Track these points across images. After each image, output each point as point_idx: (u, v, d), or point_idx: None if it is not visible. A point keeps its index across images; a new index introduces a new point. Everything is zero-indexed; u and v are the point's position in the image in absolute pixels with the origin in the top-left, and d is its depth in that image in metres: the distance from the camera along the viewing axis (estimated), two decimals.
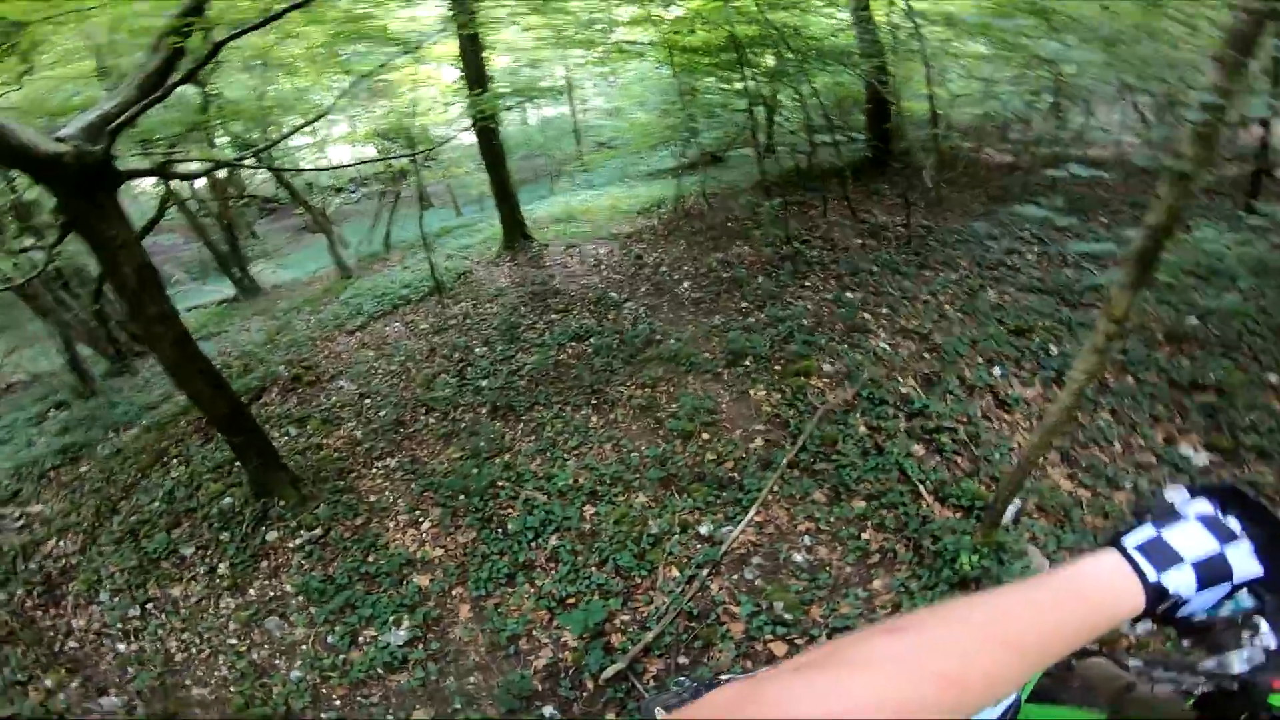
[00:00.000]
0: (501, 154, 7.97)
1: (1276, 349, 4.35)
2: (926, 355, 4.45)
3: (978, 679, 0.50)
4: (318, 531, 4.01)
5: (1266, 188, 6.04)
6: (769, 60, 7.37)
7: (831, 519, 3.37)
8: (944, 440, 3.74)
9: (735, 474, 3.68)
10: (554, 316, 6.07)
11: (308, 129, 7.21)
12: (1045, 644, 0.55)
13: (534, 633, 3.15)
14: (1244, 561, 0.63)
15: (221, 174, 9.47)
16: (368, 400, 5.33)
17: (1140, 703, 0.81)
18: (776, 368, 4.49)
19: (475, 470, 4.17)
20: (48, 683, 3.53)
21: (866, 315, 4.90)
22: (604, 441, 4.22)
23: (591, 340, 5.40)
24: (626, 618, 3.11)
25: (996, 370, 4.29)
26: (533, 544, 3.59)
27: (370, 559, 3.75)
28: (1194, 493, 0.70)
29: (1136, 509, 0.75)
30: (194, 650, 3.49)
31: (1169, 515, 0.67)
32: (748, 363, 4.58)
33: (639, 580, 3.27)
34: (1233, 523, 0.66)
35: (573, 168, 13.46)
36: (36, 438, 5.87)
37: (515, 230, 8.11)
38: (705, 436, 4.01)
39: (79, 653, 3.64)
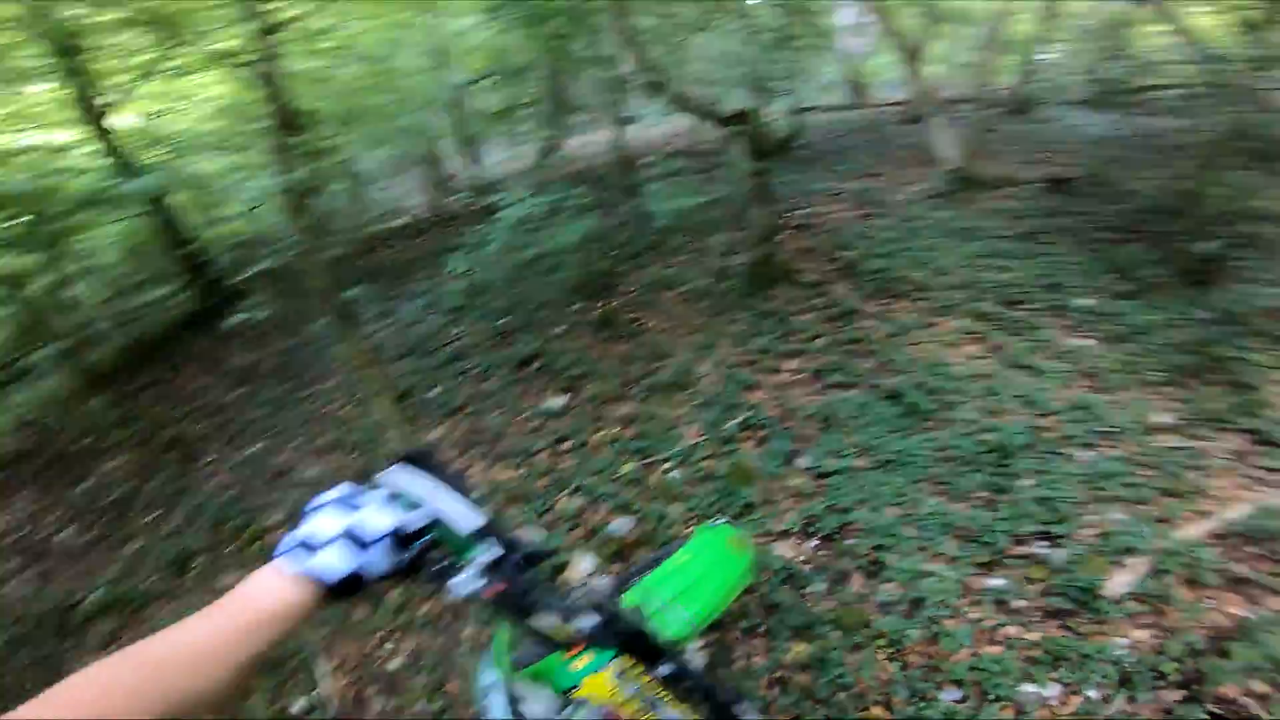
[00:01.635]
0: None
1: None
2: (339, 452, 4.78)
3: (121, 693, 0.59)
4: None
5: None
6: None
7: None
8: None
9: None
10: None
11: None
12: (197, 654, 0.65)
13: None
14: (376, 517, 0.78)
15: None
16: None
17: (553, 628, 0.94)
18: (227, 549, 4.19)
19: None
20: None
21: (281, 457, 4.94)
22: None
23: None
24: None
25: (405, 429, 4.93)
26: None
27: None
28: (403, 461, 0.88)
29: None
30: None
31: (304, 518, 0.80)
32: (200, 560, 4.13)
33: None
34: (364, 494, 0.82)
35: None
36: None
37: None
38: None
39: None
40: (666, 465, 3.58)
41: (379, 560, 0.77)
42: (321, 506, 0.79)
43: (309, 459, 4.86)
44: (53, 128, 6.79)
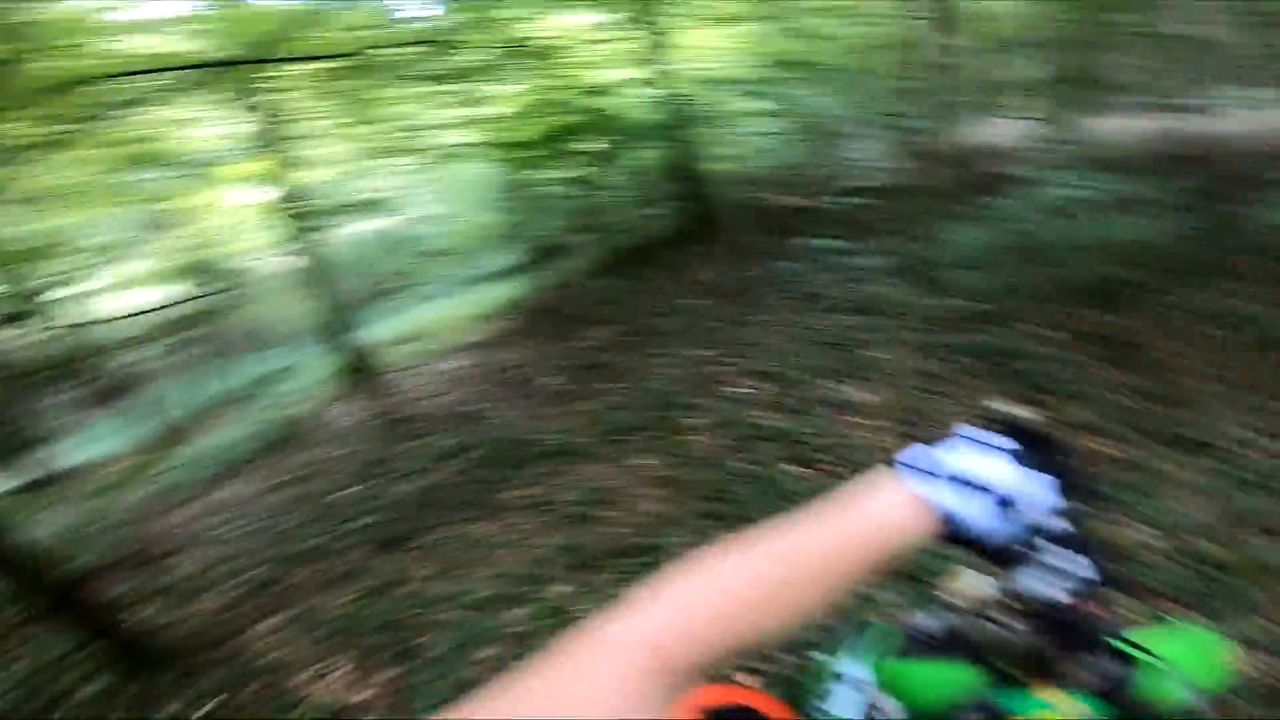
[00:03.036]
0: (330, 276, 7.73)
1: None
2: (776, 388, 4.91)
3: (756, 595, 0.56)
4: (224, 697, 3.51)
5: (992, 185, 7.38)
6: (588, 145, 7.99)
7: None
8: (816, 456, 4.12)
9: (641, 538, 3.79)
10: (414, 443, 5.89)
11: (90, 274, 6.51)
12: (836, 558, 0.60)
13: None
14: (1037, 491, 0.67)
15: None
16: (225, 566, 4.78)
17: (996, 643, 0.82)
18: (653, 433, 4.73)
19: (377, 608, 3.88)
20: None
21: (719, 367, 5.35)
22: (505, 547, 4.14)
23: (462, 457, 5.32)
24: None
25: (846, 385, 4.81)
26: (467, 659, 3.39)
27: (296, 713, 3.32)
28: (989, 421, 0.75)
29: (921, 437, 0.78)
30: None
31: (944, 440, 0.72)
32: (630, 437, 4.78)
33: None
34: (1002, 442, 0.70)
35: (412, 279, 13.17)
36: None
37: (354, 360, 7.79)
38: (604, 514, 4.09)
39: None
40: (1142, 527, 2.85)
41: (1003, 530, 0.66)
42: (981, 443, 0.70)
43: (743, 379, 5.13)
44: (622, 66, 8.36)
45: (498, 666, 3.30)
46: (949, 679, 0.83)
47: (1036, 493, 0.67)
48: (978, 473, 0.66)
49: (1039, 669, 0.76)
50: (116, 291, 9.41)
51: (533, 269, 9.72)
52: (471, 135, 7.95)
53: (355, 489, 5.34)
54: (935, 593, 0.87)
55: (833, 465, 4.06)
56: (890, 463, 0.69)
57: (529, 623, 3.50)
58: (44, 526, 6.41)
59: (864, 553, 0.61)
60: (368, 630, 3.74)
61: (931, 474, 0.66)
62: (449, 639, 3.50)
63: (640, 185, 8.51)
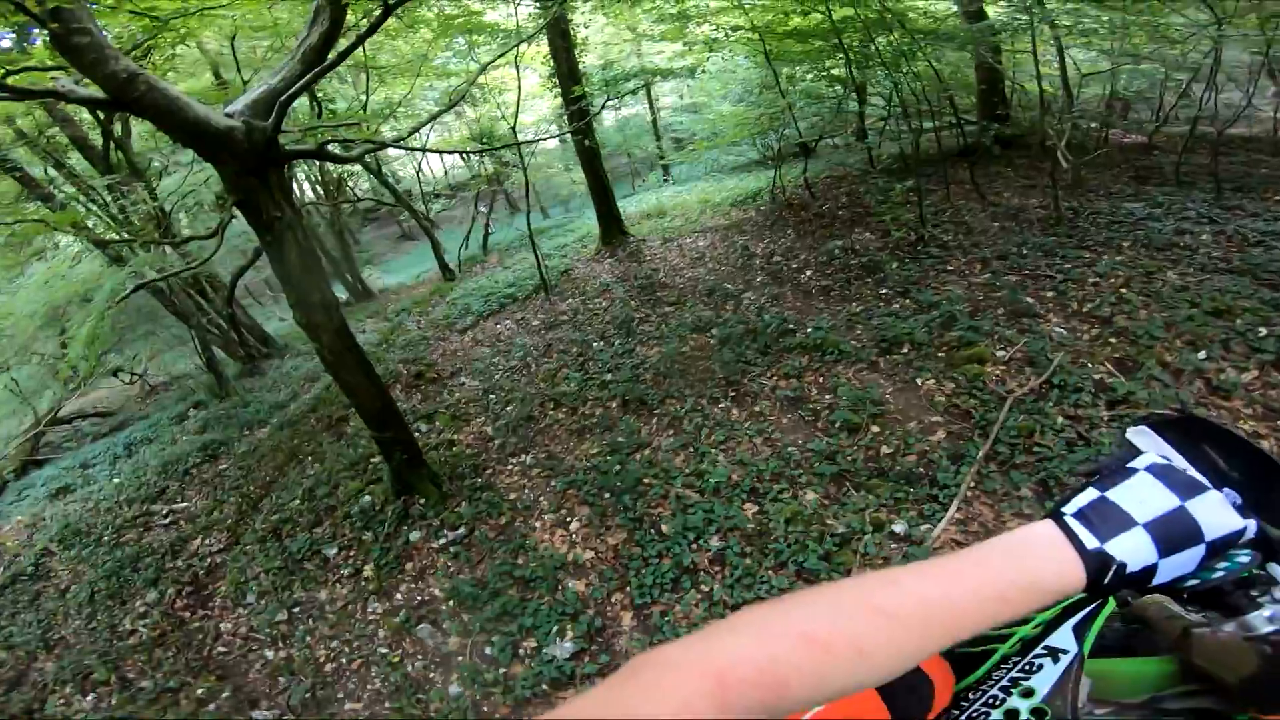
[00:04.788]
0: (597, 151, 7.86)
1: None
2: (1113, 340, 3.99)
3: (843, 643, 0.49)
4: (461, 531, 3.86)
5: None
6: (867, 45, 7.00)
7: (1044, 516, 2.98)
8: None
9: (922, 469, 3.33)
10: (667, 309, 5.85)
11: (412, 135, 7.25)
12: (945, 618, 0.52)
13: None
14: (1216, 515, 0.56)
15: (334, 178, 9.67)
16: (492, 396, 5.21)
17: (1205, 649, 0.70)
18: (940, 355, 4.12)
19: (618, 467, 3.95)
20: (199, 691, 3.45)
21: (1030, 299, 4.47)
22: (753, 436, 3.93)
23: (714, 331, 5.16)
24: None
25: (1201, 353, 3.80)
26: (694, 545, 3.32)
27: (520, 561, 3.55)
28: (1154, 428, 0.63)
29: (1086, 470, 0.65)
30: (344, 660, 3.35)
31: (1117, 474, 0.60)
32: (905, 350, 4.23)
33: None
34: (1196, 473, 0.59)
35: (670, 160, 13.20)
36: (179, 435, 5.99)
37: (613, 227, 7.97)
38: (875, 429, 3.67)
39: (228, 658, 3.56)
40: None
41: (1183, 566, 0.57)
42: (1139, 471, 0.59)
43: (1052, 316, 4.25)
44: None
45: (724, 561, 3.18)
46: (1147, 673, 0.77)
47: (1234, 523, 0.56)
48: (1173, 514, 0.55)
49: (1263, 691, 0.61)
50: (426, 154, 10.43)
51: (783, 165, 9.05)
52: (738, 22, 7.25)
53: (605, 344, 5.47)
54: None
55: None
56: (1055, 512, 0.58)
57: (767, 522, 3.31)
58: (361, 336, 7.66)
59: (995, 609, 0.52)
60: (609, 488, 3.82)
61: (1108, 523, 0.56)
62: (681, 519, 3.44)
63: (924, 96, 7.22)
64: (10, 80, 2.44)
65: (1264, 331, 3.93)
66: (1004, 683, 0.76)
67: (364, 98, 6.19)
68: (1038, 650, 0.78)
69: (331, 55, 2.94)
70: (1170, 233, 5.09)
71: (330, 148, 3.37)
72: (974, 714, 0.74)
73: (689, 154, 11.79)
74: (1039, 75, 6.05)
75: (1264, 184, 5.96)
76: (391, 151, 8.98)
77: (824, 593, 0.54)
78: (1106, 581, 0.55)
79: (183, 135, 2.63)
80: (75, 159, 6.78)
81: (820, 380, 4.19)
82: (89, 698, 3.61)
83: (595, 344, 5.55)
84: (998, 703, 0.75)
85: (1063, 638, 0.79)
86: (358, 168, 9.74)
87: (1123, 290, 4.45)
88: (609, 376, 4.97)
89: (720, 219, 8.11)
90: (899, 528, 3.06)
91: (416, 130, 3.80)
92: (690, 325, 5.32)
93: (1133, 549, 0.55)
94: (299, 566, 3.99)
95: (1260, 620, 0.61)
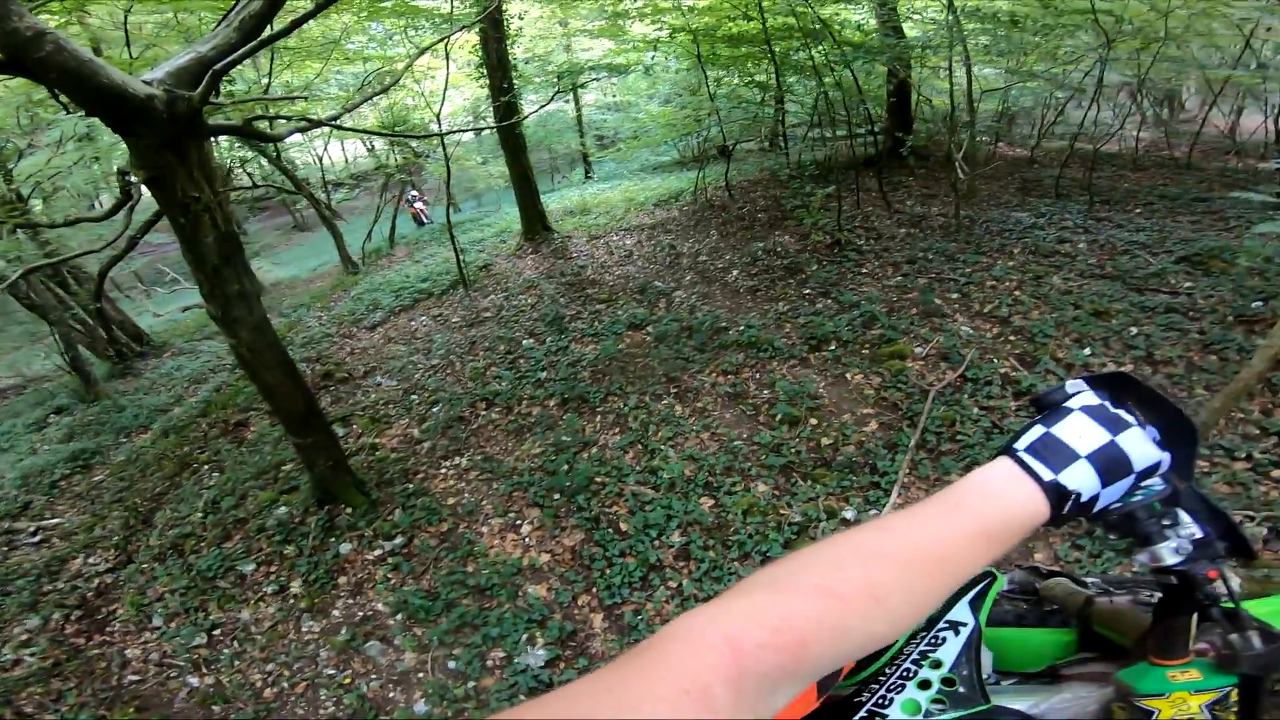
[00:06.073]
0: (523, 143, 7.67)
1: None
2: (1013, 338, 4.40)
3: (857, 591, 0.49)
4: (399, 540, 3.65)
5: None
6: (795, 53, 7.32)
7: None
8: None
9: (861, 458, 3.53)
10: (599, 306, 5.83)
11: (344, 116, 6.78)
12: (941, 557, 0.53)
13: None
14: (1140, 447, 0.61)
15: (221, 165, 8.83)
16: (415, 396, 4.97)
17: (1104, 615, 0.83)
18: (864, 351, 4.38)
19: (566, 467, 3.90)
20: None
21: (939, 300, 4.85)
22: (699, 431, 4.01)
23: (650, 329, 5.20)
24: None
25: (1086, 350, 4.27)
26: (656, 542, 3.34)
27: (470, 569, 3.42)
28: (1088, 382, 0.67)
29: (1034, 402, 0.69)
30: (285, 684, 3.08)
31: (1057, 413, 0.64)
32: (833, 347, 4.46)
33: None
34: (1123, 413, 0.63)
35: (598, 157, 13.02)
36: (40, 445, 5.24)
37: (536, 222, 7.82)
38: (813, 422, 3.85)
39: (143, 687, 3.17)
40: None
41: (1114, 495, 0.61)
42: (1074, 410, 0.63)
43: (959, 316, 4.63)
44: None
45: (689, 556, 3.22)
46: (1045, 643, 0.87)
47: (1155, 455, 0.62)
48: (1107, 448, 0.60)
49: (1157, 640, 0.73)
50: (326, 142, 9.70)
51: (703, 167, 9.28)
52: (671, 25, 7.39)
53: (535, 342, 5.37)
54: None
55: None
56: (1009, 449, 0.61)
57: (725, 515, 3.39)
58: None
59: (984, 547, 0.55)
60: (559, 488, 3.75)
61: (1058, 456, 0.59)
62: (641, 517, 3.45)
63: (841, 105, 7.67)
64: None
65: (1135, 330, 4.47)
66: (914, 656, 0.81)
67: (265, 80, 5.71)
68: (940, 624, 0.84)
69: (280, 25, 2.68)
70: (1054, 241, 5.68)
71: (259, 125, 3.08)
72: (892, 685, 0.78)
73: (619, 152, 11.81)
74: (952, 90, 6.52)
75: (1127, 197, 6.79)
76: (291, 138, 8.34)
77: (824, 548, 0.53)
78: (1065, 511, 0.58)
79: (94, 104, 2.30)
80: None
81: (758, 376, 4.34)
82: None
83: (525, 341, 5.43)
84: (911, 675, 0.80)
85: (961, 612, 0.85)
86: (250, 153, 8.98)
87: (1016, 293, 4.92)
88: (544, 374, 4.88)
89: (645, 217, 8.17)
90: (849, 514, 3.23)
91: (348, 111, 3.54)
92: (625, 323, 5.32)
93: (1081, 479, 0.58)
94: (211, 585, 3.62)
95: (1167, 551, 0.67)
